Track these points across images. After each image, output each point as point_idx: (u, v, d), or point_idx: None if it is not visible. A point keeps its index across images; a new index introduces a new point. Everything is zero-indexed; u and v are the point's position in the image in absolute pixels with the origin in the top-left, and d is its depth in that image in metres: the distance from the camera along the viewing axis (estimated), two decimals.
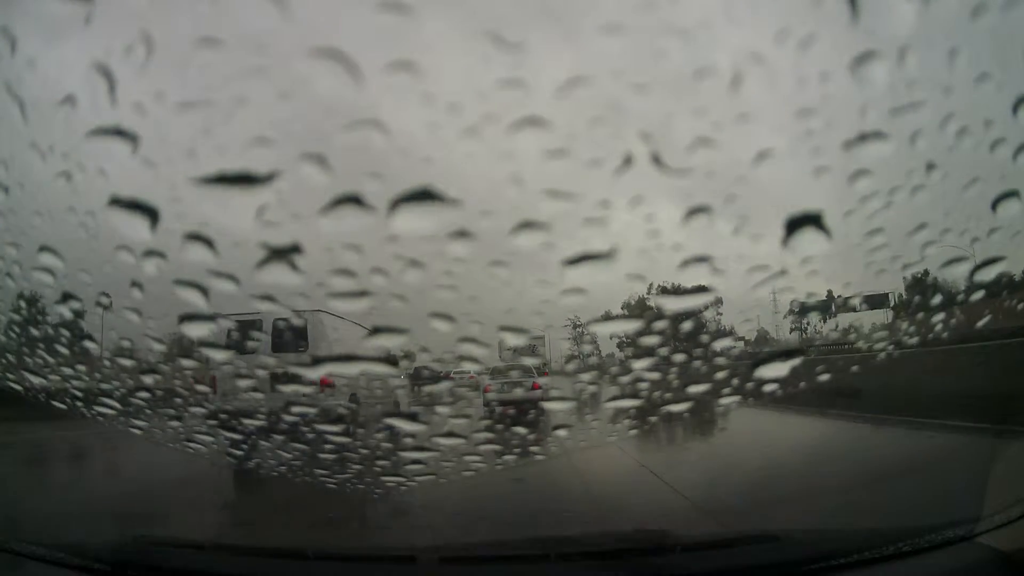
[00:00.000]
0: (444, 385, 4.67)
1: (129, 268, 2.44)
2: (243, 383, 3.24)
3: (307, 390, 2.80)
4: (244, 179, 1.98)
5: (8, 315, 3.55)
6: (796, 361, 2.62)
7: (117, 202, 2.16)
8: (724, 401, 2.96)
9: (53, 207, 2.87)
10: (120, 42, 2.34)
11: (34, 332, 3.32)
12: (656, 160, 2.32)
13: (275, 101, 2.50)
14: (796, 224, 2.16)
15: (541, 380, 9.74)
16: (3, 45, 2.47)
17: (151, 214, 2.12)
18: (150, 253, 2.34)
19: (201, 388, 3.49)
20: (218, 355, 3.09)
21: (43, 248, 2.61)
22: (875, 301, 31.75)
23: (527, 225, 2.23)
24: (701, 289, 2.81)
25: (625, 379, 3.26)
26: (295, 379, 2.73)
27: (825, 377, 3.80)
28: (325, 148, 2.14)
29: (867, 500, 3.84)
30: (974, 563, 1.97)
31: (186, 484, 5.48)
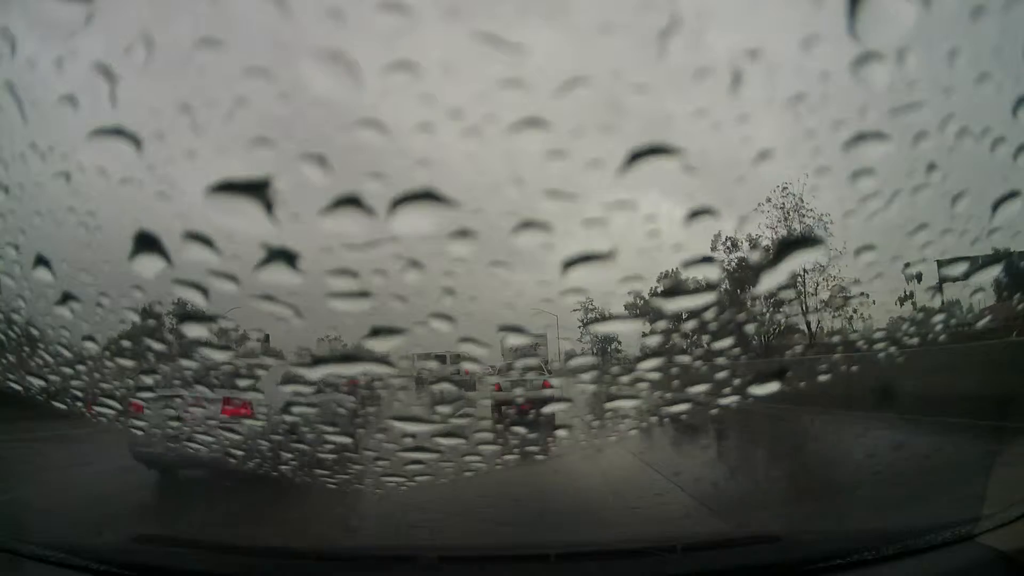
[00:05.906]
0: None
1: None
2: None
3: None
4: (245, 186, 1.98)
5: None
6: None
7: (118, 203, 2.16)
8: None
9: (53, 207, 2.87)
10: (120, 42, 2.34)
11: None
12: (656, 160, 2.32)
13: (275, 101, 2.50)
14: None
15: (550, 380, 9.63)
16: (3, 45, 2.46)
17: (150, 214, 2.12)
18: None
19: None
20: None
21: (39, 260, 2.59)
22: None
23: (527, 225, 2.22)
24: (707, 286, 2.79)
25: (626, 379, 3.25)
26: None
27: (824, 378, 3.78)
28: (325, 148, 2.14)
29: (868, 499, 3.84)
30: (974, 563, 1.96)
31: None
